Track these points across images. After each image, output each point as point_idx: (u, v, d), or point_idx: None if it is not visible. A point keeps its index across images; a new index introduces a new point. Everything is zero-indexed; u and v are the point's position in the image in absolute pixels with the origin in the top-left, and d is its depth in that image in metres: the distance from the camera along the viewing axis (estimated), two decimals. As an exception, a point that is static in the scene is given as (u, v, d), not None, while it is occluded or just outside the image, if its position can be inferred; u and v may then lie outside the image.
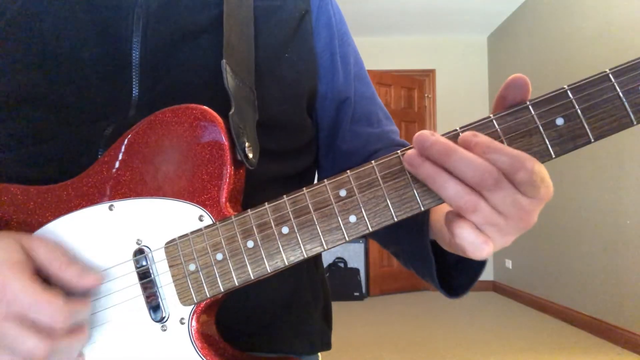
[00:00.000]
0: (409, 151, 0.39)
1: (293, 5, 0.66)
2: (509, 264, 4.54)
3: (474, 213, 0.37)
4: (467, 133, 0.38)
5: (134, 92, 0.56)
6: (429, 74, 5.07)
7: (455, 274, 0.53)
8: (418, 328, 3.40)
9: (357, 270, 4.55)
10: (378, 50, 4.87)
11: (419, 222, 0.52)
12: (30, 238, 0.45)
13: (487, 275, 4.76)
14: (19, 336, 0.39)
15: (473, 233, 0.37)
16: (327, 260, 4.51)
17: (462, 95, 4.90)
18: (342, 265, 4.59)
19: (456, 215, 0.38)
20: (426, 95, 5.06)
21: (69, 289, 0.44)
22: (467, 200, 0.36)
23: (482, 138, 0.37)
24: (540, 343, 2.95)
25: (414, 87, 5.02)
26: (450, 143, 0.37)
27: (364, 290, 4.58)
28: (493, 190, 0.36)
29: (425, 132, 0.38)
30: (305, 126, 0.65)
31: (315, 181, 0.68)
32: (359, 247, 4.67)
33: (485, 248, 0.37)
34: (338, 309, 3.69)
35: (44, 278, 0.43)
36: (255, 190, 0.53)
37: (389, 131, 0.70)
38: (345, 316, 3.77)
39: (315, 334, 0.65)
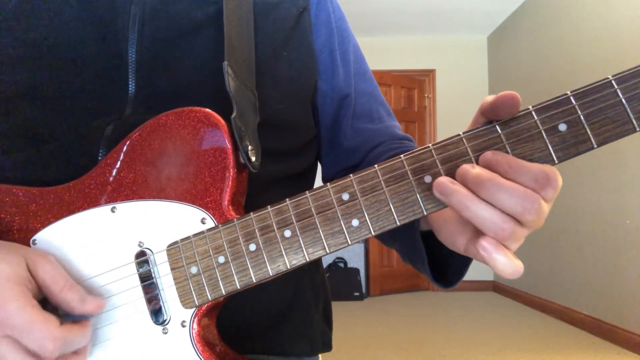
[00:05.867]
0: (440, 179, 0.38)
1: (291, 2, 0.66)
2: (508, 264, 4.52)
3: (509, 239, 0.36)
4: (487, 153, 0.38)
5: (130, 89, 0.56)
6: (429, 74, 5.06)
7: (450, 261, 0.52)
8: (418, 328, 3.40)
9: (357, 270, 4.55)
10: (378, 50, 4.86)
11: None
12: (36, 255, 0.44)
13: (487, 275, 4.76)
14: (11, 357, 0.38)
15: (505, 257, 0.36)
16: (327, 260, 4.51)
17: (462, 95, 4.89)
18: (342, 265, 4.59)
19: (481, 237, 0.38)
20: (426, 95, 5.06)
21: (69, 312, 0.43)
22: (505, 228, 0.36)
23: (503, 156, 0.37)
24: (540, 343, 2.95)
25: (414, 87, 5.02)
26: (485, 171, 0.37)
27: (364, 290, 4.58)
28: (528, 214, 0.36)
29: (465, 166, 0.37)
30: (306, 125, 0.65)
31: (317, 179, 0.68)
32: (359, 247, 4.67)
33: (517, 264, 0.37)
34: (338, 309, 3.70)
35: (43, 299, 0.43)
36: (256, 191, 0.53)
37: (390, 126, 0.69)
38: (345, 316, 3.77)
39: (316, 336, 0.65)
